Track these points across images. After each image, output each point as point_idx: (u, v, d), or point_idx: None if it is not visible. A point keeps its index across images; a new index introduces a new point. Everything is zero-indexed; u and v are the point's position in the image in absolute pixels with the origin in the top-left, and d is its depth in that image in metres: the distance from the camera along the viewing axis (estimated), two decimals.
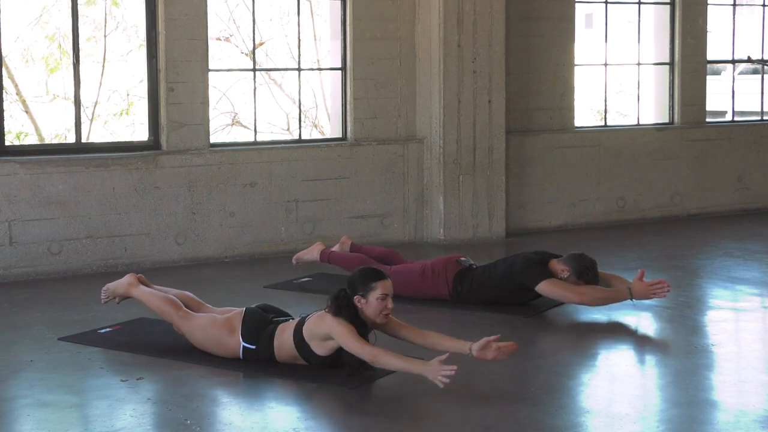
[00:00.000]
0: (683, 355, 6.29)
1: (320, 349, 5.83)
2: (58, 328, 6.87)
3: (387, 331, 5.94)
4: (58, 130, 13.06)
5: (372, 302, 5.79)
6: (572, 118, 10.97)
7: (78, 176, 8.68)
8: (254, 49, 10.41)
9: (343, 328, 5.68)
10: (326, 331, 5.75)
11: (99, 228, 8.76)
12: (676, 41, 11.46)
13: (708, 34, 11.66)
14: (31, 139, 12.94)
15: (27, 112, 13.04)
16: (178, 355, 6.17)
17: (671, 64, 11.50)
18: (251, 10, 9.82)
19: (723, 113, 13.80)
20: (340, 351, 5.79)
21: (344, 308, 5.75)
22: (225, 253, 9.28)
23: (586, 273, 7.19)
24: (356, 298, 5.80)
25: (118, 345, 6.47)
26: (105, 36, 12.98)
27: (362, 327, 5.81)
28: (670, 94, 11.54)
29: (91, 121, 12.68)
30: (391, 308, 5.84)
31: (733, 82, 12.67)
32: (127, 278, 6.53)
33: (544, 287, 7.18)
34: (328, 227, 9.69)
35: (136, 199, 8.90)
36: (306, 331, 5.85)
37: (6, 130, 9.03)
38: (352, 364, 5.72)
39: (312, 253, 8.23)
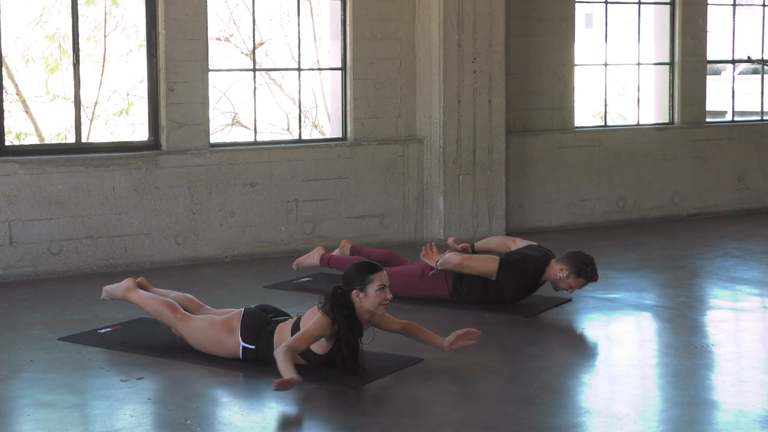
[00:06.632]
0: (683, 355, 6.29)
1: (316, 346, 5.83)
2: (58, 328, 6.87)
3: (382, 327, 6.05)
4: (58, 130, 13.05)
5: (371, 294, 5.82)
6: (572, 118, 10.96)
7: (78, 176, 8.68)
8: (254, 49, 10.41)
9: (312, 325, 5.73)
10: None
11: (99, 228, 8.76)
12: (676, 41, 11.45)
13: (708, 34, 11.66)
14: (31, 139, 12.93)
15: (27, 112, 13.04)
16: (178, 355, 6.17)
17: (671, 64, 11.50)
18: (251, 10, 9.82)
19: (723, 113, 13.80)
20: (336, 349, 5.81)
21: (338, 307, 5.76)
22: (225, 253, 9.27)
23: (584, 270, 7.19)
24: (354, 292, 5.82)
25: (118, 345, 6.47)
26: (105, 36, 12.97)
27: (355, 324, 5.83)
28: (670, 94, 11.53)
29: (91, 121, 12.67)
30: (390, 299, 5.89)
31: (733, 82, 12.67)
32: (125, 283, 6.53)
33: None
34: (328, 227, 9.69)
35: (136, 199, 8.90)
36: (301, 328, 5.86)
37: (6, 130, 9.02)
38: (340, 356, 5.77)
39: (312, 257, 8.23)
